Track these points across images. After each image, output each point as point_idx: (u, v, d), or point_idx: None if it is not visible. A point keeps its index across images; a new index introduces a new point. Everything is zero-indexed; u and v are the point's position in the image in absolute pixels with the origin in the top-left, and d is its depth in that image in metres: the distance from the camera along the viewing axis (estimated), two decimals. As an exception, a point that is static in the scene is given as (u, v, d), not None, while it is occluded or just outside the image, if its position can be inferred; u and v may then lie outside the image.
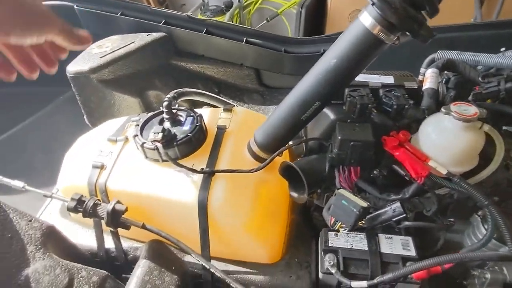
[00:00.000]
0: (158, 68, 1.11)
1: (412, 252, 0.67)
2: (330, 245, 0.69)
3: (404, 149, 0.60)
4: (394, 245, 0.69)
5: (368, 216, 0.60)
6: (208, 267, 0.67)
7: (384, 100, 0.64)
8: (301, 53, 1.20)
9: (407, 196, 0.61)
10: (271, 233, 0.72)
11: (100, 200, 0.67)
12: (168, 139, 0.68)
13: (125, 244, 0.75)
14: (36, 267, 0.57)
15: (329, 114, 0.69)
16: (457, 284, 0.73)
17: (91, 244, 0.77)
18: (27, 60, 0.43)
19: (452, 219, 0.65)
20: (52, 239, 0.64)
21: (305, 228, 0.80)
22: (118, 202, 0.65)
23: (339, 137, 0.60)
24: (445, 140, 0.57)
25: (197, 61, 1.19)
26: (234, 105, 0.86)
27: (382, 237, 0.70)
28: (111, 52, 1.01)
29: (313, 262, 0.72)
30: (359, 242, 0.70)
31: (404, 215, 0.58)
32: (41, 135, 1.24)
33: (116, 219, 0.64)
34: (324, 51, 1.15)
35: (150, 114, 0.78)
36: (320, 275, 0.68)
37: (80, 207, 0.65)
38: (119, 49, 1.02)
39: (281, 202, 0.77)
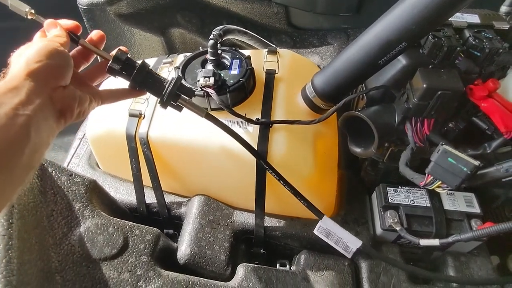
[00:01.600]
0: (179, 2, 0.97)
1: (477, 209, 0.65)
2: (390, 201, 0.66)
3: (492, 100, 0.54)
4: (457, 201, 0.66)
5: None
6: (263, 224, 0.63)
7: (474, 42, 0.56)
8: (337, -12, 1.06)
9: (488, 151, 0.56)
10: (327, 188, 0.68)
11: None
12: (219, 85, 0.59)
13: (167, 198, 0.70)
14: (87, 226, 0.52)
15: (400, 58, 0.61)
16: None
17: (128, 198, 0.72)
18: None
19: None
20: (96, 195, 0.58)
21: (356, 183, 0.76)
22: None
23: (425, 85, 0.52)
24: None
25: (221, -5, 1.05)
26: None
27: (443, 193, 0.67)
28: (127, -19, 0.86)
29: (369, 218, 0.69)
30: (420, 198, 0.67)
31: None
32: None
33: (177, 98, 0.48)
34: (366, -13, 1.04)
35: (189, 54, 0.68)
36: (379, 231, 0.66)
37: (127, 72, 0.44)
38: (137, -24, 0.87)
39: (333, 156, 0.72)
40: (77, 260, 0.49)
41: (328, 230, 0.58)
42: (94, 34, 0.45)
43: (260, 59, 0.72)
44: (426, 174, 0.50)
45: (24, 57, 0.35)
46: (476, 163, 0.44)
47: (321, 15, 1.13)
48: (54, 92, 0.37)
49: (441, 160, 0.47)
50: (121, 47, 0.45)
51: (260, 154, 0.58)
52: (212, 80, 0.58)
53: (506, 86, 0.56)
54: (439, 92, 0.52)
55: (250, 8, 1.08)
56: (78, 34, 0.43)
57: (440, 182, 0.48)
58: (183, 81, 0.61)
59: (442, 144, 0.48)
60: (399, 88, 0.62)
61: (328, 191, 0.68)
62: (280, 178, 0.56)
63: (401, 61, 0.61)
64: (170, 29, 0.94)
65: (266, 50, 0.73)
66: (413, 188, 0.68)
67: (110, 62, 0.43)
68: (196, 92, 0.60)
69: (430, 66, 0.56)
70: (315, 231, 0.59)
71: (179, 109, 0.49)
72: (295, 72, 0.71)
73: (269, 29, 1.13)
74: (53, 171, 0.54)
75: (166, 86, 0.46)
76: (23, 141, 0.32)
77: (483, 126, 0.57)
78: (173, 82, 0.46)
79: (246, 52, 0.69)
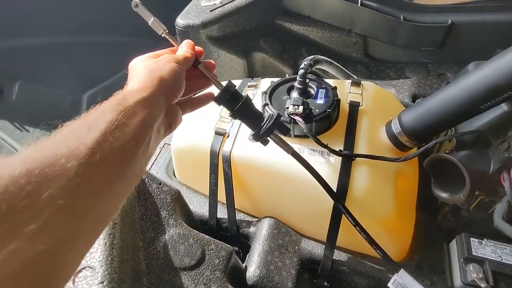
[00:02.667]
0: (263, 28, 1.02)
1: None
2: (474, 253, 0.61)
3: None
4: (554, 265, 0.59)
5: None
6: (332, 257, 0.62)
7: None
8: (422, 22, 1.04)
9: None
10: (404, 229, 0.65)
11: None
12: (306, 114, 0.60)
13: (237, 216, 0.72)
14: (171, 234, 0.55)
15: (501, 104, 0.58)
16: None
17: (201, 211, 0.75)
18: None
19: None
20: (178, 205, 0.61)
21: (432, 228, 0.71)
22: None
23: (533, 137, 0.49)
24: None
25: (302, 23, 1.08)
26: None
27: (538, 253, 0.60)
28: (220, 6, 0.93)
29: (447, 268, 0.65)
30: (510, 255, 0.61)
31: None
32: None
33: (271, 133, 0.49)
34: (453, 22, 1.01)
35: (276, 80, 0.71)
36: (459, 284, 0.61)
37: (231, 102, 0.46)
38: (228, 3, 0.93)
39: (413, 196, 0.69)
40: (161, 266, 0.52)
41: (405, 285, 0.54)
42: (208, 63, 0.48)
43: (344, 90, 0.72)
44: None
45: (157, 73, 0.38)
46: None
47: (401, 48, 1.11)
48: (170, 108, 0.40)
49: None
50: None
51: (340, 190, 0.58)
52: (301, 108, 0.59)
53: None
54: (549, 146, 0.48)
55: (329, 37, 1.09)
56: (200, 59, 0.46)
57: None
58: (268, 108, 0.64)
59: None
60: (496, 135, 0.58)
61: (405, 233, 0.65)
62: (356, 224, 0.55)
63: (503, 107, 0.58)
64: (253, 53, 0.98)
65: (350, 81, 0.74)
66: (501, 243, 0.62)
67: (221, 90, 0.46)
68: (282, 118, 0.61)
69: (539, 116, 0.52)
70: (390, 285, 0.55)
71: (266, 143, 0.50)
72: (379, 105, 0.71)
73: (345, 58, 1.13)
74: (146, 178, 0.59)
75: (266, 122, 0.47)
76: (144, 152, 0.35)
77: None
78: (273, 119, 0.47)
79: (330, 82, 0.70)
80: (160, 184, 0.60)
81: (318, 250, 0.66)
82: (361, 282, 0.66)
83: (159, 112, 0.38)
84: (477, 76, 0.51)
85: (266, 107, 0.64)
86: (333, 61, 0.74)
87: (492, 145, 0.58)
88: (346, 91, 0.72)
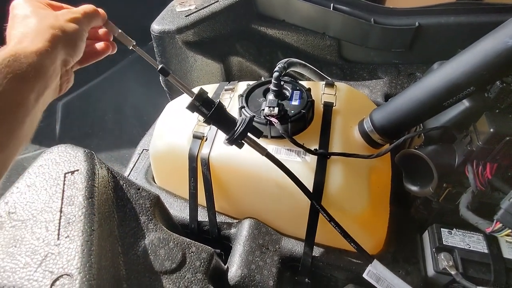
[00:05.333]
0: (239, 32, 1.04)
1: (541, 261, 0.61)
2: (444, 243, 0.64)
3: None
4: (518, 250, 0.62)
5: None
6: (311, 253, 0.63)
7: (545, 89, 0.55)
8: (392, 25, 1.08)
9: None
10: (379, 223, 0.67)
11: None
12: (281, 115, 0.62)
13: (217, 218, 0.73)
14: (151, 239, 0.55)
15: (463, 100, 0.61)
16: None
17: (181, 215, 0.75)
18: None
19: None
20: (158, 209, 0.61)
21: (406, 220, 0.74)
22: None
23: (492, 130, 0.52)
24: None
25: (277, 27, 1.10)
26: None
27: (502, 240, 0.64)
28: (196, 11, 0.93)
29: (421, 258, 0.67)
30: (477, 243, 0.64)
31: None
32: (111, 94, 1.22)
33: (244, 136, 0.51)
34: (420, 25, 1.05)
35: (252, 83, 0.72)
36: (431, 273, 0.64)
37: (204, 108, 0.49)
38: (203, 8, 0.94)
39: (386, 191, 0.71)
40: (141, 271, 0.52)
41: (379, 275, 0.56)
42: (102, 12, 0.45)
43: (318, 91, 0.74)
44: (494, 221, 0.49)
45: (58, 32, 0.36)
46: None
47: (373, 50, 1.15)
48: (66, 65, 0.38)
49: (513, 209, 0.46)
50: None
51: (316, 188, 0.59)
52: (276, 110, 0.61)
53: None
54: (507, 138, 0.51)
55: (304, 40, 1.12)
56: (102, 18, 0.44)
57: (509, 230, 0.47)
58: (244, 110, 0.65)
59: (513, 192, 0.47)
60: (460, 129, 0.62)
61: (380, 227, 0.68)
62: (331, 219, 0.57)
63: (465, 103, 0.62)
64: (230, 57, 1.00)
65: (324, 82, 0.76)
66: (469, 232, 0.65)
67: (192, 99, 0.47)
68: (258, 120, 0.63)
69: (497, 111, 0.56)
70: (365, 275, 0.57)
71: (241, 146, 0.52)
72: (352, 105, 0.73)
73: (320, 61, 1.16)
74: (124, 184, 0.59)
75: (239, 126, 0.49)
76: (31, 117, 0.33)
77: (553, 174, 0.55)
78: (245, 123, 0.49)
79: (304, 84, 0.72)
80: (139, 189, 0.60)
81: (298, 248, 0.68)
82: (340, 276, 0.68)
83: (54, 78, 0.36)
84: (439, 75, 0.54)
85: (243, 109, 0.65)
86: (307, 64, 0.76)
87: (457, 140, 0.62)
88: (320, 92, 0.74)
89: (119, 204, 0.56)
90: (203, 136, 0.68)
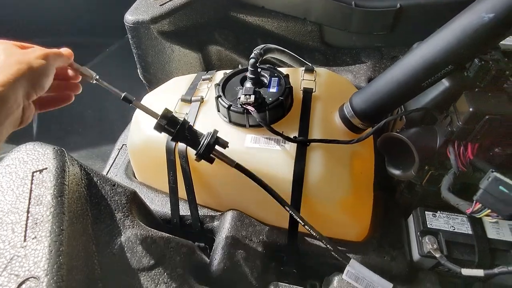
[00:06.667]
0: (217, 21, 1.01)
1: (524, 239, 0.61)
2: (429, 226, 0.64)
3: (544, 126, 0.52)
4: (501, 230, 0.63)
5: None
6: (296, 243, 0.62)
7: (523, 66, 0.54)
8: (373, 7, 1.06)
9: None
10: (363, 209, 0.67)
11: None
12: (258, 103, 0.60)
13: (200, 212, 0.71)
14: (128, 236, 0.53)
15: (442, 80, 0.60)
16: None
17: (163, 210, 0.73)
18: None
19: None
20: (135, 205, 0.59)
21: (391, 205, 0.74)
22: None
23: (471, 109, 0.51)
24: None
25: (257, 14, 1.07)
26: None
27: (486, 221, 0.64)
28: (170, 0, 0.90)
29: (406, 242, 0.67)
30: (461, 225, 0.64)
31: None
32: (90, 89, 1.18)
33: (211, 151, 0.52)
34: (401, 6, 1.04)
35: (228, 72, 0.70)
36: (416, 257, 0.63)
37: (171, 127, 0.50)
38: (178, -4, 0.91)
39: (370, 176, 0.70)
40: (118, 269, 0.50)
41: (357, 274, 0.55)
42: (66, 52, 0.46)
43: (297, 77, 0.73)
44: (474, 202, 0.48)
45: (24, 66, 0.38)
46: (531, 192, 0.42)
47: (355, 34, 1.13)
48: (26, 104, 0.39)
49: (491, 188, 0.45)
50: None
51: (296, 176, 0.58)
52: (252, 98, 0.59)
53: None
54: (487, 117, 0.50)
55: (285, 27, 1.09)
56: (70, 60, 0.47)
57: (489, 210, 0.46)
58: (221, 100, 0.63)
59: (492, 171, 0.46)
60: (440, 110, 0.61)
61: (364, 213, 0.67)
62: (305, 223, 0.56)
63: (444, 83, 0.61)
64: (208, 46, 0.97)
65: (303, 68, 0.74)
66: (453, 214, 0.65)
67: (158, 118, 0.49)
68: (235, 109, 0.61)
69: (476, 90, 0.55)
70: (344, 277, 0.56)
71: (212, 160, 0.53)
72: (332, 91, 0.72)
73: (302, 47, 1.14)
74: (98, 181, 0.57)
75: (202, 141, 0.50)
76: None
77: (533, 152, 0.54)
78: (209, 137, 0.51)
79: (283, 71, 0.70)
80: (114, 185, 0.58)
81: (282, 238, 0.67)
82: (326, 264, 0.67)
83: (15, 108, 0.37)
84: (416, 55, 0.52)
85: (219, 99, 0.63)
86: (285, 49, 0.74)
87: (438, 121, 0.61)
88: (300, 78, 0.72)
89: (93, 202, 0.54)
90: (180, 128, 0.66)
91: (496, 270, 0.52)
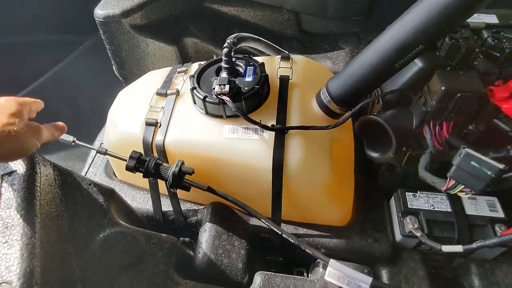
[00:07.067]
0: (192, 12, 0.99)
1: (500, 214, 0.63)
2: (409, 206, 0.65)
3: (514, 101, 0.53)
4: (479, 206, 0.64)
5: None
6: (280, 232, 0.62)
7: (493, 43, 0.55)
8: (348, -7, 1.06)
9: (511, 153, 0.54)
10: (344, 194, 0.67)
11: (160, 160, 0.60)
12: (234, 92, 0.59)
13: (183, 206, 0.70)
14: (107, 234, 0.52)
15: (415, 61, 0.60)
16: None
17: (145, 207, 0.72)
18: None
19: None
20: (114, 204, 0.58)
21: (372, 188, 0.74)
22: (183, 163, 0.58)
23: (443, 88, 0.51)
24: None
25: (232, 3, 1.05)
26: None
27: (465, 198, 0.65)
28: (141, -8, 0.88)
29: (388, 224, 0.68)
30: (441, 203, 0.65)
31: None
32: (65, 88, 1.14)
33: (180, 181, 0.57)
34: (376, -10, 1.04)
35: (203, 63, 0.69)
36: (399, 237, 0.64)
37: (141, 166, 0.57)
38: (149, -12, 0.88)
39: (350, 161, 0.71)
40: (98, 269, 0.49)
41: (338, 273, 0.56)
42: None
43: (274, 65, 0.72)
44: (448, 178, 0.49)
45: (16, 146, 0.42)
46: (501, 166, 0.43)
47: (332, 20, 1.13)
48: None
49: (463, 164, 0.46)
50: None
51: (276, 164, 0.58)
52: (227, 87, 0.58)
53: (528, 86, 0.54)
54: (459, 95, 0.51)
55: (261, 16, 1.08)
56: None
57: (462, 186, 0.47)
58: (196, 91, 0.62)
59: (464, 147, 0.47)
60: (415, 91, 0.61)
61: (346, 197, 0.67)
62: (282, 232, 0.59)
63: (417, 64, 0.61)
64: (183, 39, 0.95)
65: (279, 56, 0.74)
66: (432, 193, 0.66)
67: (127, 161, 0.55)
68: (211, 100, 0.60)
69: (448, 68, 0.55)
70: (326, 278, 0.57)
71: (188, 189, 0.58)
72: (309, 77, 0.71)
73: (280, 36, 1.13)
74: (73, 181, 0.55)
75: (168, 175, 0.55)
76: None
77: (505, 128, 0.55)
78: (173, 167, 0.56)
79: (260, 59, 0.70)
80: (90, 184, 0.56)
81: (266, 227, 0.67)
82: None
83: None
84: (387, 37, 0.53)
85: (194, 90, 0.62)
86: (260, 38, 0.73)
87: (413, 102, 0.61)
88: (276, 66, 0.72)
89: (69, 202, 0.53)
90: (157, 123, 0.65)
91: (474, 245, 0.54)
